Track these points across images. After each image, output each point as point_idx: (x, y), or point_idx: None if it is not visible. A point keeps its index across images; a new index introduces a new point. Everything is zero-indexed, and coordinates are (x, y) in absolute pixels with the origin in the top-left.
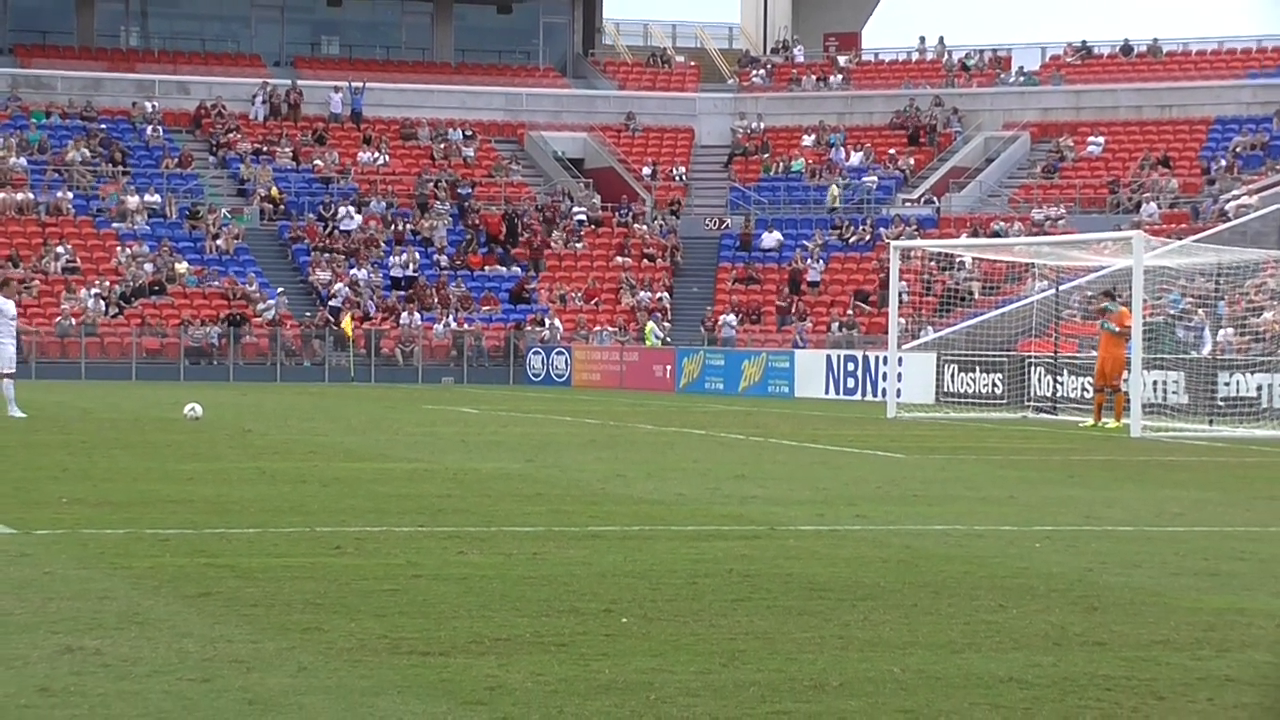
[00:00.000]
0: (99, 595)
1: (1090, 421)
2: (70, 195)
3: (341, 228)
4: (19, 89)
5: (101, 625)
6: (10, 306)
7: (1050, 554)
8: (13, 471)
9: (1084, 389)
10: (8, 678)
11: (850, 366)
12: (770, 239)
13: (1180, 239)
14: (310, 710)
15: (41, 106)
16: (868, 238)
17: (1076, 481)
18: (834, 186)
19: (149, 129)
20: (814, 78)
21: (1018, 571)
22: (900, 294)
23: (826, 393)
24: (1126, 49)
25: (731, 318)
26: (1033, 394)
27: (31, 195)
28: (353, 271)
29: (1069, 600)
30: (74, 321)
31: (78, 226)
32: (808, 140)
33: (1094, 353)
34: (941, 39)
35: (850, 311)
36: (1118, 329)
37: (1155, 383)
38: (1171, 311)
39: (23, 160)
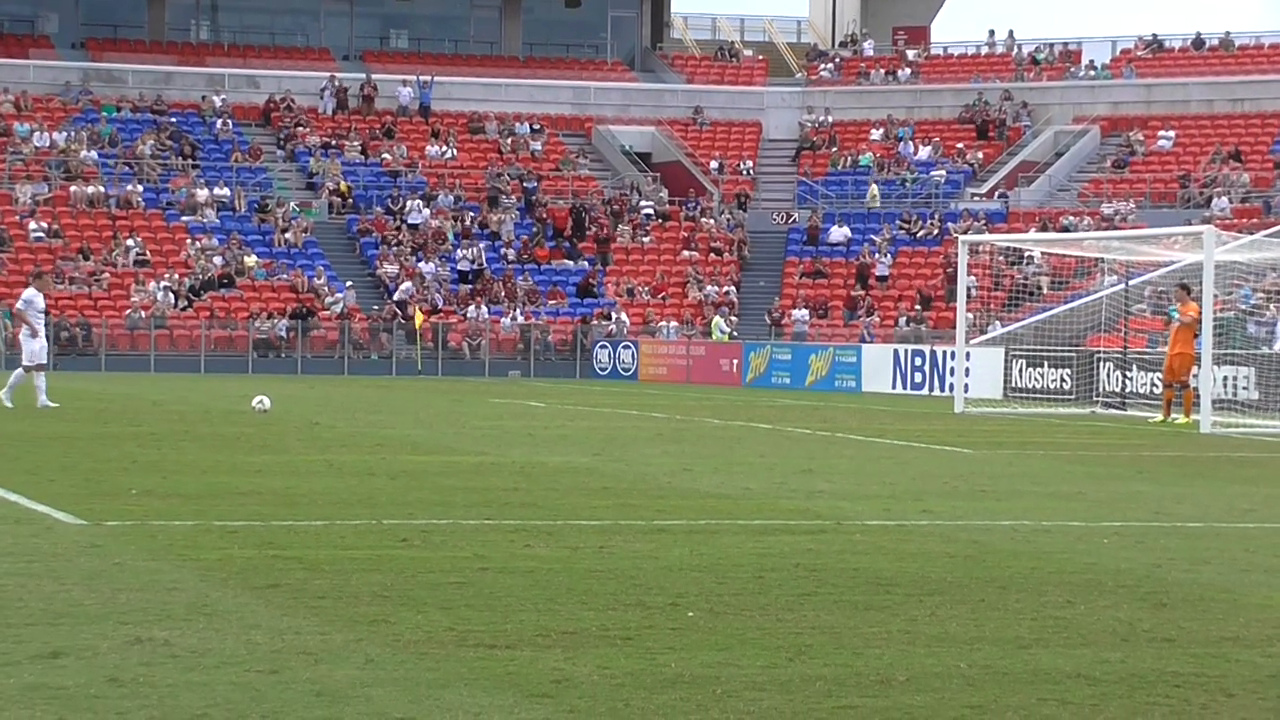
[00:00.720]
0: (168, 586)
1: (1160, 417)
2: (140, 188)
3: (409, 221)
4: (90, 83)
5: (170, 616)
6: (40, 299)
7: (1119, 550)
8: (83, 463)
9: (1153, 384)
10: (78, 668)
11: (918, 361)
12: (838, 233)
13: (1251, 234)
14: (377, 702)
15: (112, 100)
16: (936, 232)
17: (1145, 477)
18: (873, 186)
19: (219, 122)
20: (882, 71)
21: (1086, 567)
22: (968, 289)
23: (894, 387)
24: (1198, 42)
25: (803, 312)
26: (1101, 389)
27: (102, 188)
28: (420, 265)
29: (1137, 596)
30: (144, 314)
31: (148, 219)
32: (876, 134)
33: (1163, 348)
34: (1011, 32)
35: (918, 307)
36: (1180, 318)
37: (1226, 378)
38: (1242, 307)
39: (94, 154)
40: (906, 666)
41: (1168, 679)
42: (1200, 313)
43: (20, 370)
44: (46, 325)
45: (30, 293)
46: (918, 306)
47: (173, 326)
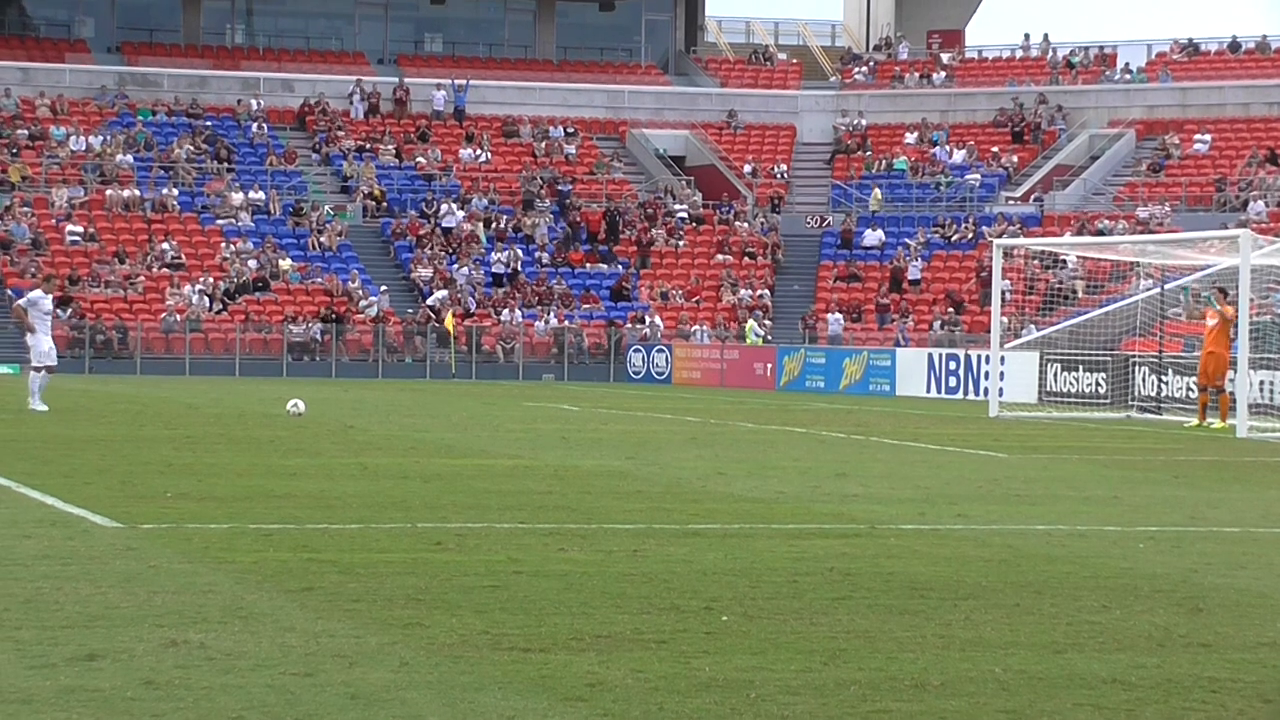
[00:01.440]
0: (203, 589)
1: (1195, 421)
2: (176, 192)
3: (443, 225)
4: (126, 86)
5: (205, 619)
6: (47, 301)
7: (1154, 555)
8: (119, 466)
9: (1189, 389)
10: (114, 670)
11: (952, 365)
12: (872, 237)
13: None
14: (412, 705)
15: (148, 104)
16: (970, 236)
17: (1181, 482)
18: (876, 190)
19: (254, 126)
20: (917, 75)
21: (1121, 572)
22: (1003, 292)
23: (928, 391)
24: (1234, 46)
25: (838, 317)
26: (1137, 394)
27: (138, 192)
28: (453, 269)
29: (1173, 601)
30: (179, 317)
31: (183, 223)
32: (910, 138)
33: (1198, 352)
34: (1045, 36)
35: (950, 310)
36: (1210, 318)
37: (1262, 383)
38: (1278, 311)
39: (129, 157)
40: (941, 671)
41: (1204, 684)
42: (1236, 315)
43: (34, 374)
44: (80, 329)
45: (37, 294)
46: (950, 310)
47: (208, 330)
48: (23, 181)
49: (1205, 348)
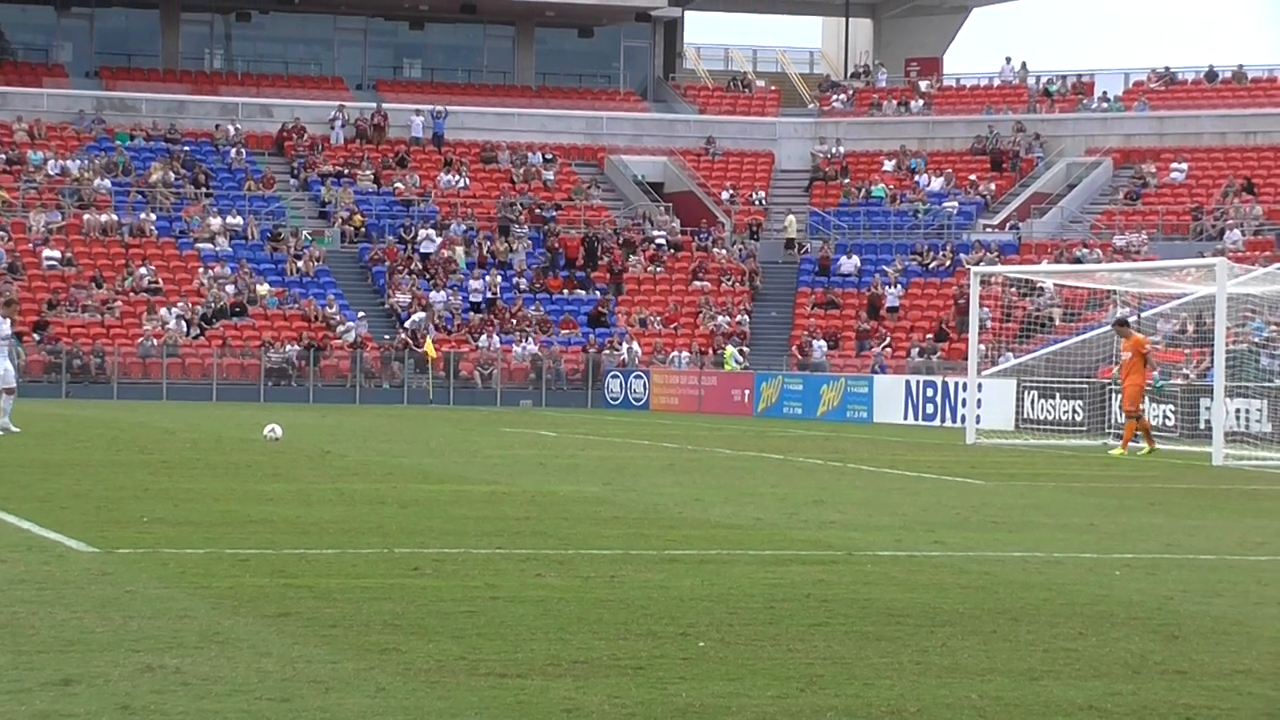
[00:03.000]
0: (179, 614)
1: (1146, 448)
2: (153, 216)
3: (421, 250)
4: (104, 111)
5: (182, 644)
6: (6, 326)
7: (1130, 582)
8: (95, 490)
9: (1165, 416)
10: (89, 695)
11: (929, 392)
12: (849, 264)
13: (1265, 266)
14: None
15: (126, 128)
16: (948, 263)
17: (1157, 509)
18: (790, 217)
19: (232, 151)
20: (895, 103)
21: (1097, 599)
22: (981, 320)
23: (905, 418)
24: (1211, 75)
25: (821, 342)
26: (1114, 421)
27: (115, 216)
28: (431, 294)
29: (1149, 628)
30: (156, 342)
31: (160, 247)
32: (888, 165)
33: (1177, 381)
34: (1024, 64)
35: (930, 337)
36: (1129, 344)
37: (1238, 411)
38: (1255, 339)
39: (107, 182)
40: (918, 698)
41: (1179, 711)
42: (1145, 342)
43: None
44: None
45: None
46: (929, 337)
47: (185, 355)
48: (3, 207)
49: (1125, 376)
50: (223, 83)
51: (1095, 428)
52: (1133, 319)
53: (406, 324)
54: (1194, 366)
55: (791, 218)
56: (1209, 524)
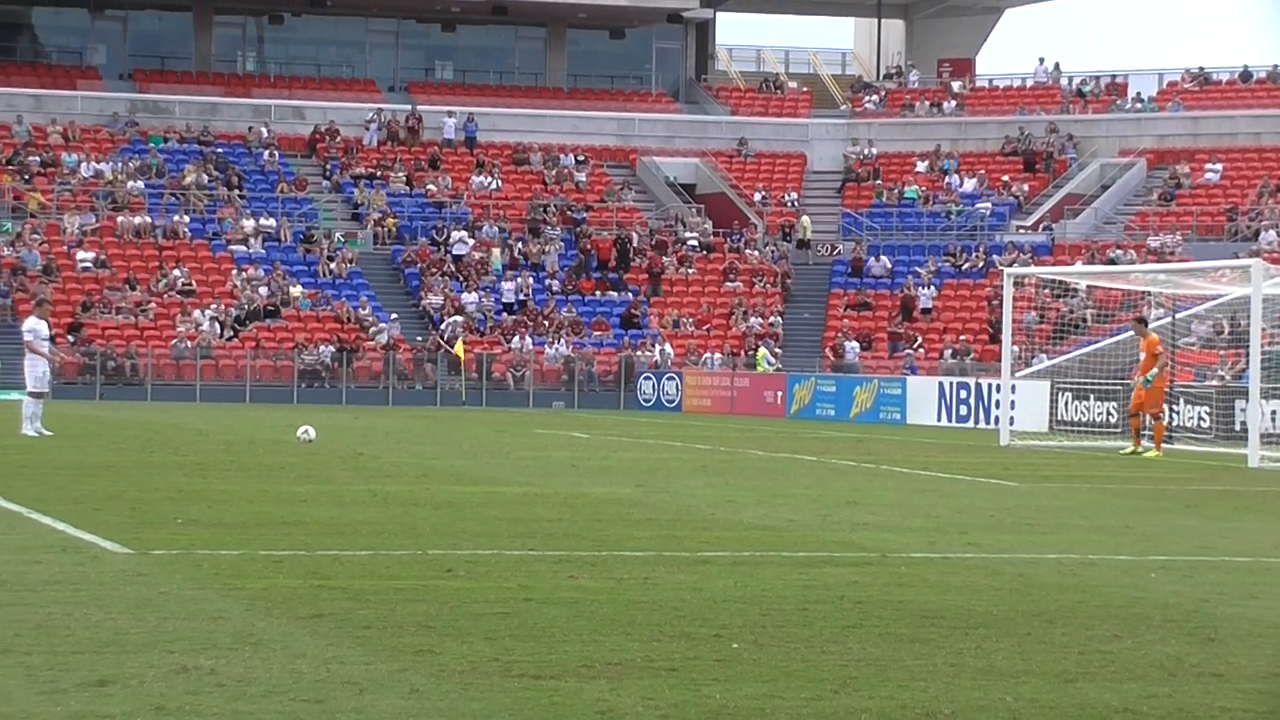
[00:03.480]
0: (213, 615)
1: (1130, 448)
2: (187, 219)
3: (454, 252)
4: (138, 113)
5: (216, 645)
6: (44, 327)
7: (1166, 584)
8: (129, 492)
9: (1199, 418)
10: (124, 696)
11: (963, 394)
12: (878, 266)
13: None
14: None
15: (159, 131)
16: (981, 265)
17: (1193, 511)
18: (806, 220)
19: (265, 153)
20: (927, 104)
21: (1132, 601)
22: (1027, 323)
23: (939, 420)
24: (1245, 75)
25: (855, 344)
26: (1144, 424)
27: (149, 219)
28: (463, 295)
29: (1185, 631)
30: (189, 344)
31: (194, 249)
32: (921, 166)
33: (1212, 382)
34: (1056, 65)
35: (963, 338)
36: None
37: (1274, 413)
38: None
39: (140, 184)
40: (952, 700)
41: (1215, 714)
42: (1158, 343)
43: (29, 400)
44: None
45: (33, 321)
46: (963, 338)
47: (218, 356)
48: (39, 210)
49: (1140, 375)
50: (255, 85)
51: (1129, 429)
52: (1164, 320)
53: (443, 326)
54: (1229, 368)
55: (806, 219)
56: (1245, 526)
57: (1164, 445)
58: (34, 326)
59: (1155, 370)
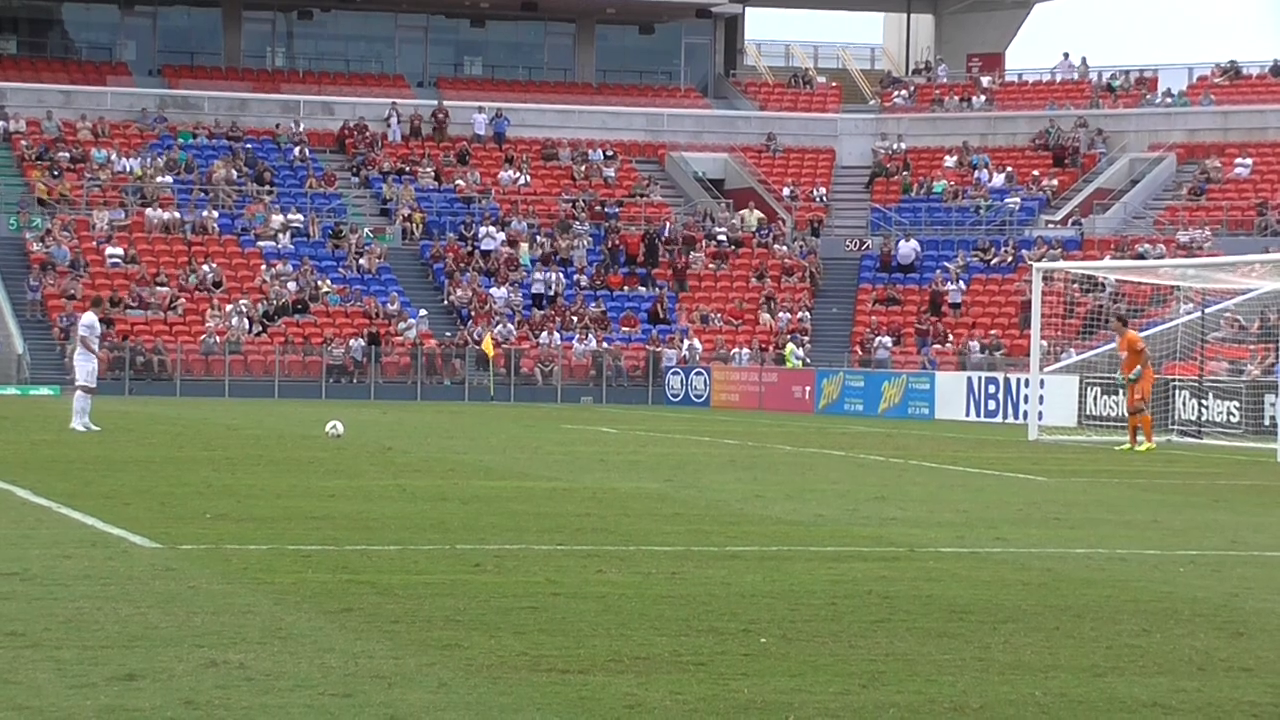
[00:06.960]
0: (242, 610)
1: (1128, 444)
2: (216, 214)
3: (482, 248)
4: (166, 109)
5: (245, 639)
6: (99, 323)
7: (1195, 579)
8: (159, 487)
9: (1229, 413)
10: (154, 690)
11: (991, 389)
12: (906, 248)
13: None
14: None
15: (188, 126)
16: (1010, 259)
17: (1222, 506)
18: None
19: (294, 149)
20: (956, 98)
21: (1161, 596)
22: (1059, 317)
23: (967, 415)
24: (1276, 69)
25: (886, 339)
26: (1177, 418)
27: (178, 214)
28: (491, 290)
29: (1214, 625)
30: (218, 339)
31: (223, 245)
32: (950, 161)
33: (1242, 376)
34: (1085, 59)
35: (992, 333)
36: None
37: None
38: None
39: (169, 179)
40: (980, 694)
41: (1245, 708)
42: (1139, 341)
43: (80, 394)
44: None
45: (90, 317)
46: (993, 333)
47: (247, 352)
48: (60, 200)
49: (1126, 371)
50: (284, 80)
51: (1159, 424)
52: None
53: (468, 321)
54: (1258, 363)
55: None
56: (1274, 521)
57: (1190, 439)
58: (91, 322)
59: (1139, 367)
